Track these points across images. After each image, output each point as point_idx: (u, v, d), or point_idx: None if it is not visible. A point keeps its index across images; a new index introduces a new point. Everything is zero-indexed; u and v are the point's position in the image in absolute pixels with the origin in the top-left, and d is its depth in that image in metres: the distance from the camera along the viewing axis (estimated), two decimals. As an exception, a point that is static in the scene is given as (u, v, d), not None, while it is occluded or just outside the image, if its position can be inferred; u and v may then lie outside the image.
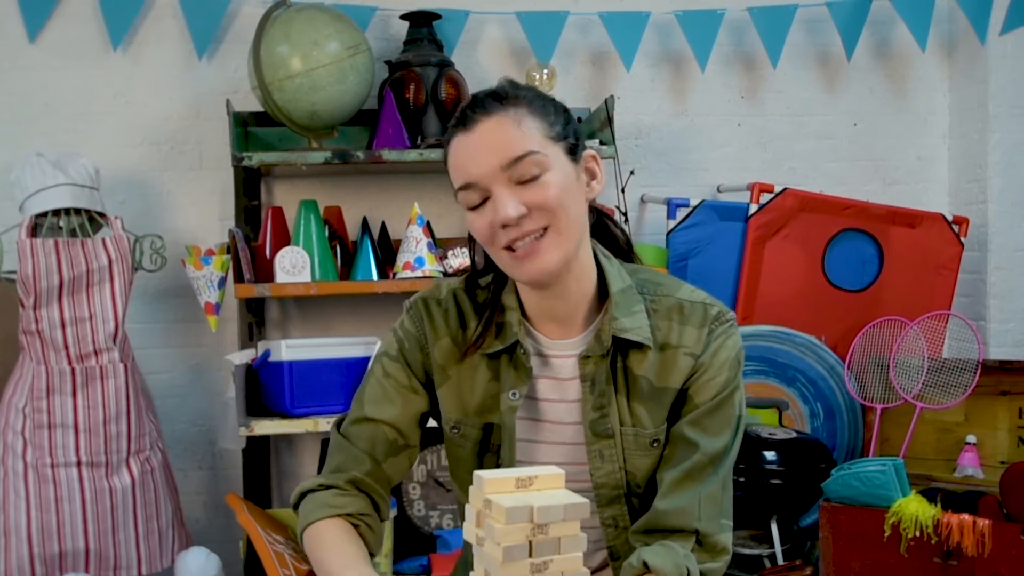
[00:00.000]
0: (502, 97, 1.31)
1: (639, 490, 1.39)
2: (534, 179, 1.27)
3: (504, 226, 1.28)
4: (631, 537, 1.36)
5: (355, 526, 1.36)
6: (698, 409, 1.36)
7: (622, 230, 1.51)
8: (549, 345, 1.41)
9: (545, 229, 1.29)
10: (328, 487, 1.39)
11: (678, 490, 1.33)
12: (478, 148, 1.28)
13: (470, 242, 1.45)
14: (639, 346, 1.37)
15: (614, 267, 1.41)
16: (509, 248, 1.30)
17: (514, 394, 1.38)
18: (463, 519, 1.43)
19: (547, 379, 1.41)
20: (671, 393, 1.38)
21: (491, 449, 1.41)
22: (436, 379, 1.44)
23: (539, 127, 1.29)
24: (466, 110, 1.31)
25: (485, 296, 1.44)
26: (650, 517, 1.33)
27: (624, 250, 1.49)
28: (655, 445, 1.38)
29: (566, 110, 1.36)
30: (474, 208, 1.31)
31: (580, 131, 1.36)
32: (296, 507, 1.41)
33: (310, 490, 1.40)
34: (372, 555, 1.35)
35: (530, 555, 1.05)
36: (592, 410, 1.37)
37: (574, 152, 1.33)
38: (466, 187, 1.30)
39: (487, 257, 1.43)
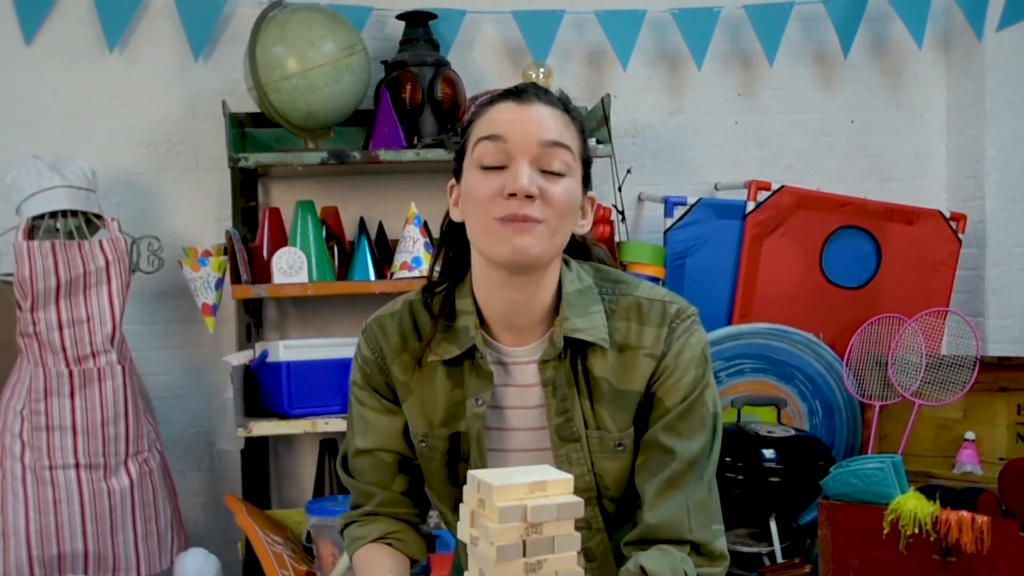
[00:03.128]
0: (561, 102, 1.36)
1: (608, 492, 1.39)
2: (556, 175, 1.30)
3: (511, 196, 1.27)
4: (624, 549, 1.34)
5: (388, 544, 1.45)
6: (670, 413, 1.34)
7: (601, 248, 1.53)
8: (508, 353, 1.39)
9: (541, 222, 1.28)
10: (351, 523, 1.50)
11: (663, 500, 1.31)
12: (526, 117, 1.30)
13: (439, 246, 1.45)
14: (596, 346, 1.36)
15: (572, 271, 1.40)
16: (505, 219, 1.27)
17: (478, 400, 1.37)
18: (448, 526, 1.44)
19: (509, 387, 1.39)
20: (634, 396, 1.36)
21: (461, 458, 1.41)
22: (400, 395, 1.43)
23: (577, 143, 1.35)
24: (524, 87, 1.35)
25: (440, 303, 1.42)
26: (641, 531, 1.32)
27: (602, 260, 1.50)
28: (621, 448, 1.37)
29: None
30: (484, 168, 1.30)
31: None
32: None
33: (345, 525, 1.52)
34: (415, 561, 1.47)
35: (524, 555, 1.05)
36: (556, 415, 1.36)
37: (586, 183, 1.38)
38: (492, 138, 1.30)
39: (444, 267, 1.44)
